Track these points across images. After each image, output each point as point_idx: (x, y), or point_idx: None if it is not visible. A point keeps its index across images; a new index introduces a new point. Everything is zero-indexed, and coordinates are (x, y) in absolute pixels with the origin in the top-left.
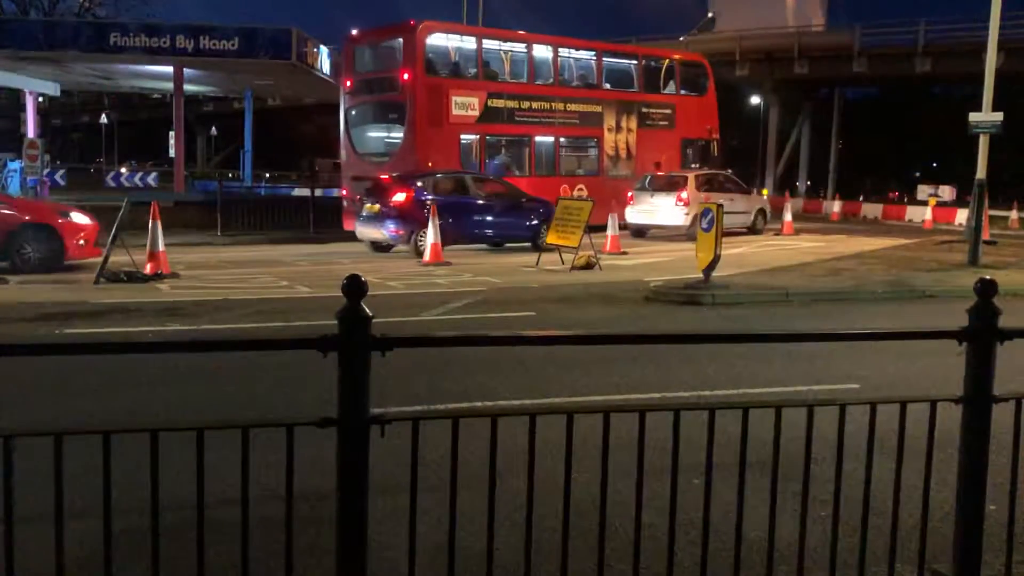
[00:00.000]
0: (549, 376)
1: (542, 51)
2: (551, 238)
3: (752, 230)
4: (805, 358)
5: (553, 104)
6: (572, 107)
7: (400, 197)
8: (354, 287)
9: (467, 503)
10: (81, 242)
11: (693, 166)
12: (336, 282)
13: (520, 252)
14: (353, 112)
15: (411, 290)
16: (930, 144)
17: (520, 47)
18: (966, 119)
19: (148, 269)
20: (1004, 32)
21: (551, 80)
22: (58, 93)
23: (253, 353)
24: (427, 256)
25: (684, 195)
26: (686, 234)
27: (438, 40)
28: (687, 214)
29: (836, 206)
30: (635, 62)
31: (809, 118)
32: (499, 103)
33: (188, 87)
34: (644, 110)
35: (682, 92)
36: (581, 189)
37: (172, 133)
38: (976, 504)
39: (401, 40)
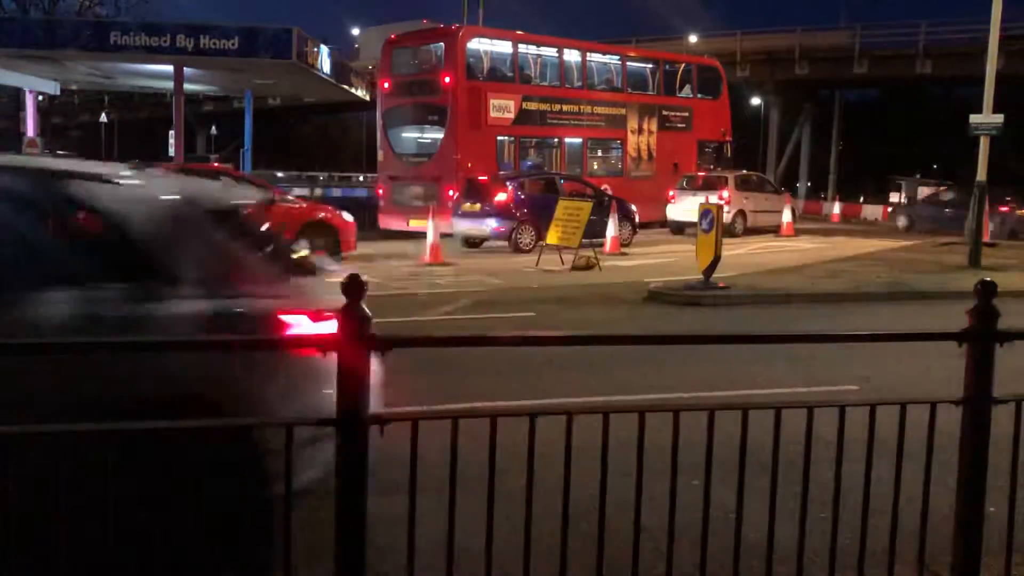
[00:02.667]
0: (548, 376)
1: (572, 55)
2: (551, 239)
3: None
4: (805, 359)
5: (581, 107)
6: (599, 110)
7: (502, 196)
8: (353, 287)
9: (466, 503)
10: (350, 236)
11: (708, 167)
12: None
13: (520, 253)
14: (391, 113)
15: (411, 290)
16: (931, 146)
17: (551, 51)
18: (967, 121)
19: None
20: (1005, 34)
21: (580, 84)
22: (58, 92)
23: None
24: (427, 256)
25: (726, 194)
26: (728, 232)
27: (477, 44)
28: (728, 212)
29: (836, 207)
30: (655, 66)
31: (810, 119)
32: (533, 106)
33: (188, 86)
34: (664, 113)
35: (698, 96)
36: (606, 188)
37: (172, 132)
38: (976, 506)
39: (443, 44)
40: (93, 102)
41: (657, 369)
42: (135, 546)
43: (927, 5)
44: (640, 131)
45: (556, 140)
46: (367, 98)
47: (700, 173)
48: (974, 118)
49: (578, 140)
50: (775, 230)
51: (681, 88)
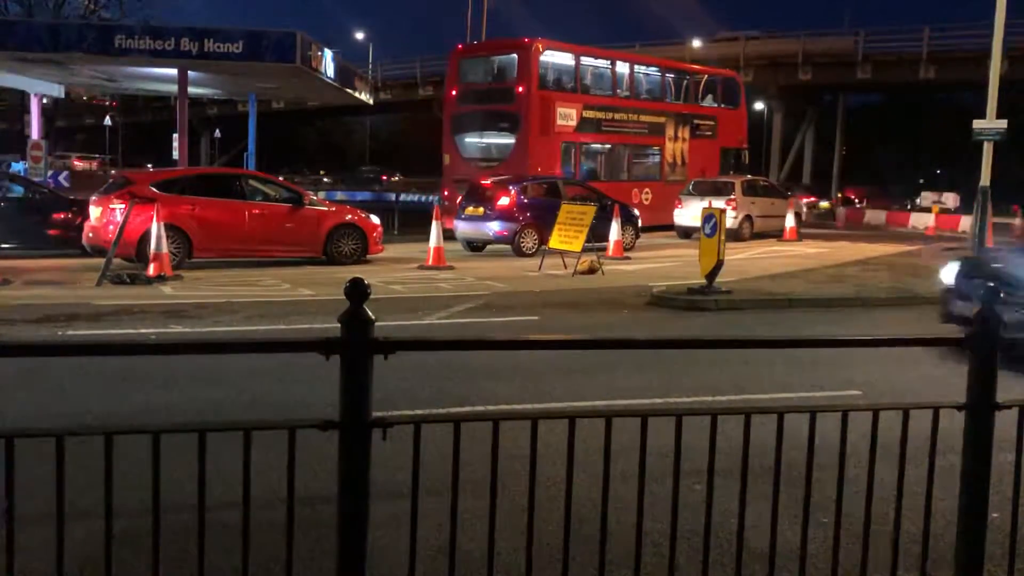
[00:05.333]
0: (551, 380)
1: (622, 67)
2: (554, 243)
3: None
4: (808, 364)
5: (629, 115)
6: (643, 118)
7: (505, 201)
8: (356, 290)
9: (468, 507)
10: (377, 239)
11: (730, 172)
12: (338, 285)
13: (524, 256)
14: (458, 119)
15: (414, 293)
16: (934, 151)
17: (605, 63)
18: (970, 126)
19: (151, 271)
20: (1008, 39)
21: (627, 94)
22: (62, 95)
23: (255, 355)
24: (430, 259)
25: (733, 199)
26: (734, 236)
27: (547, 56)
28: (735, 217)
29: (839, 212)
30: (687, 77)
31: (813, 124)
32: (591, 114)
33: (192, 90)
34: (695, 121)
35: (722, 105)
36: (647, 193)
37: (176, 135)
38: (978, 512)
39: (516, 56)
40: (97, 105)
41: (660, 373)
42: None
43: (931, 11)
44: (676, 138)
45: (609, 146)
46: (370, 102)
47: (707, 178)
48: (977, 123)
49: (625, 146)
50: (780, 235)
51: (705, 98)
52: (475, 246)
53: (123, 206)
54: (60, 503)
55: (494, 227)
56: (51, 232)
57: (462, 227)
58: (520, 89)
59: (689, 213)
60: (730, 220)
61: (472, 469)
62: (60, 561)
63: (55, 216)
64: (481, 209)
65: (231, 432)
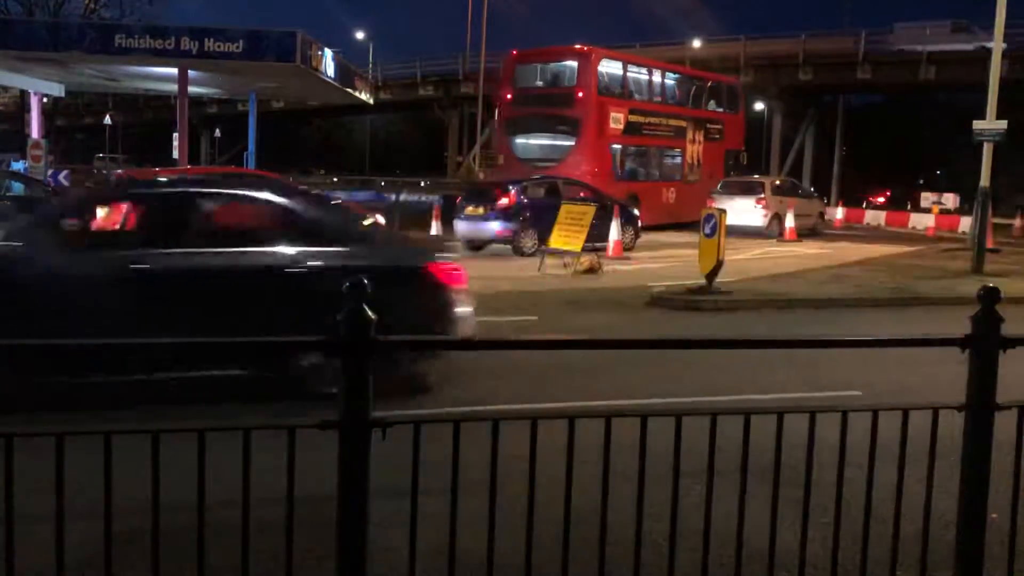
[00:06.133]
0: (551, 380)
1: (656, 75)
2: (554, 242)
3: (813, 232)
4: (807, 364)
5: (661, 119)
6: (671, 122)
7: (505, 200)
8: (357, 291)
9: (468, 507)
10: None
11: (730, 173)
12: None
13: (523, 256)
14: (513, 122)
15: None
16: (935, 151)
17: (644, 71)
18: (971, 126)
19: None
20: (1008, 40)
21: (660, 99)
22: (63, 94)
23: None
24: None
25: (763, 198)
26: (764, 234)
27: (602, 64)
28: (765, 216)
29: (839, 213)
30: (701, 83)
31: (813, 124)
32: (634, 118)
33: (193, 89)
34: (708, 125)
35: (727, 110)
36: (672, 192)
37: (176, 135)
38: (978, 512)
39: (576, 63)
40: (97, 104)
41: (659, 373)
42: None
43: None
44: (693, 141)
45: (645, 149)
46: (370, 101)
47: (736, 178)
48: (977, 124)
49: (657, 148)
50: (809, 234)
51: (713, 103)
52: (475, 245)
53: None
54: (60, 503)
55: (494, 227)
56: None
57: (462, 227)
58: (580, 94)
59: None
60: (760, 219)
61: (472, 469)
62: (60, 561)
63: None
64: (481, 209)
65: (231, 432)
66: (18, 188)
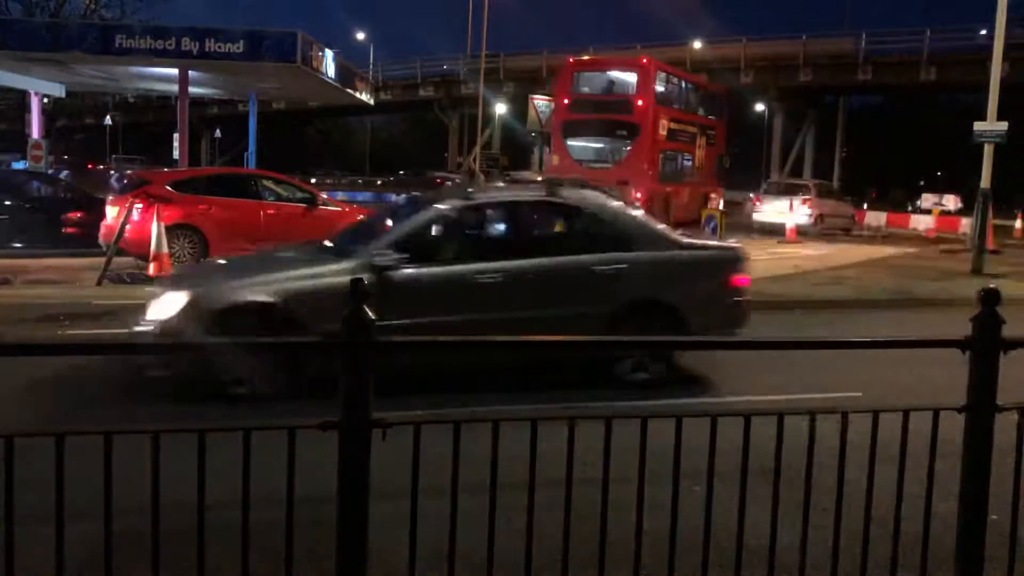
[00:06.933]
0: (551, 381)
1: (684, 84)
2: None
3: (847, 231)
4: (807, 366)
5: (685, 127)
6: (688, 128)
7: None
8: (358, 291)
9: (468, 508)
10: None
11: (718, 176)
12: None
13: None
14: (570, 125)
15: None
16: (935, 153)
17: (677, 80)
18: (971, 128)
19: (151, 271)
20: (1009, 41)
21: (683, 107)
22: (63, 95)
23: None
24: None
25: (809, 199)
26: (809, 232)
27: (657, 75)
28: (810, 215)
29: None
30: (704, 92)
31: (813, 126)
32: (672, 125)
33: (193, 89)
34: (708, 131)
35: (718, 117)
36: (686, 193)
37: (176, 135)
38: (978, 514)
39: (636, 73)
40: (98, 105)
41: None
42: None
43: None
44: (700, 146)
45: (675, 154)
46: (371, 102)
47: (782, 180)
48: (978, 125)
49: (680, 153)
50: (844, 231)
51: (711, 109)
52: None
53: (141, 206)
54: (60, 503)
55: None
56: (68, 230)
57: None
58: (640, 103)
59: (770, 210)
60: (805, 218)
61: (472, 470)
62: (60, 561)
63: (72, 215)
64: None
65: (231, 432)
66: (35, 187)
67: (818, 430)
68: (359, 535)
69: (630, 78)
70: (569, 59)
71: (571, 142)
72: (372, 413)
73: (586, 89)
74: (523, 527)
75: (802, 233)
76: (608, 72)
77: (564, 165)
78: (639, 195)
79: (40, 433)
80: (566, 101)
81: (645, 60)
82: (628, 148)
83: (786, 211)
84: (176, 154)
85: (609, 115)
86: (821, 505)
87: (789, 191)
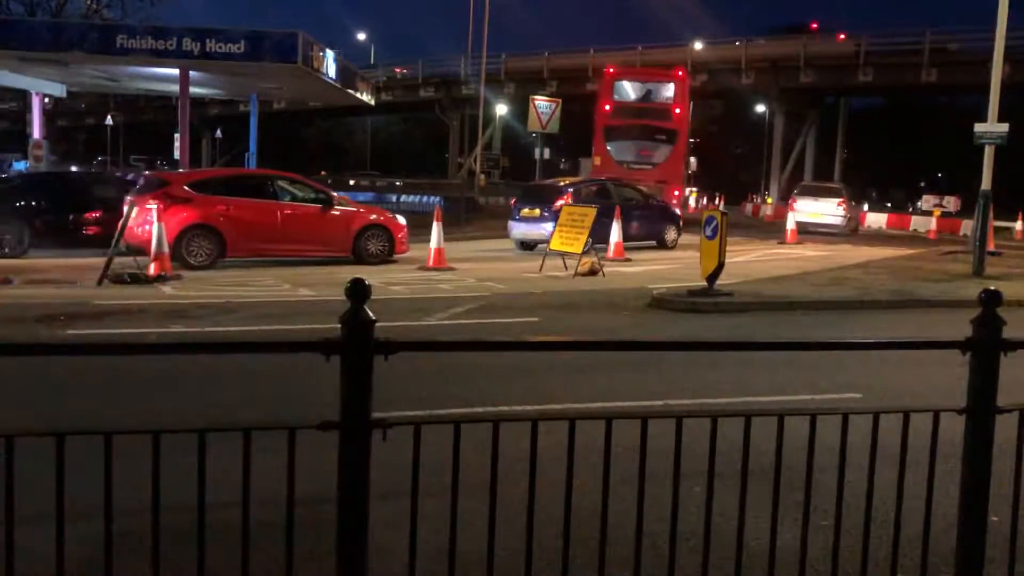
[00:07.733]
0: (551, 382)
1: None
2: (554, 244)
3: (853, 232)
4: (808, 367)
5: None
6: (681, 131)
7: (561, 203)
8: (357, 290)
9: (468, 508)
10: (403, 239)
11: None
12: (339, 286)
13: (524, 258)
14: (612, 129)
15: (415, 295)
16: (936, 154)
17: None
18: (972, 129)
19: (152, 271)
20: (1010, 43)
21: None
22: (64, 94)
23: (256, 356)
24: (431, 260)
25: (844, 201)
26: (841, 232)
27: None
28: (844, 216)
29: None
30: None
31: (814, 126)
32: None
33: (194, 90)
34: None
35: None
36: (676, 192)
37: (177, 135)
38: (979, 515)
39: (673, 84)
40: (99, 105)
41: (659, 375)
42: None
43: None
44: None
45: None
46: (372, 102)
47: (813, 183)
48: (979, 127)
49: (687, 155)
50: (851, 232)
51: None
52: (528, 246)
53: (159, 206)
54: (60, 503)
55: (550, 228)
56: (87, 230)
57: (519, 228)
58: (678, 111)
59: (805, 209)
60: (840, 219)
61: (472, 470)
62: (60, 561)
63: (90, 215)
64: (538, 211)
65: (231, 433)
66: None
67: (818, 431)
68: (359, 535)
69: (668, 88)
70: (608, 68)
71: (612, 144)
72: (372, 413)
73: (626, 97)
74: (523, 526)
75: (838, 234)
76: (647, 82)
77: (605, 166)
78: (676, 192)
79: (42, 433)
80: (607, 107)
81: (681, 72)
82: (667, 151)
83: (824, 212)
84: (177, 154)
85: (649, 121)
86: (822, 506)
87: (824, 194)
